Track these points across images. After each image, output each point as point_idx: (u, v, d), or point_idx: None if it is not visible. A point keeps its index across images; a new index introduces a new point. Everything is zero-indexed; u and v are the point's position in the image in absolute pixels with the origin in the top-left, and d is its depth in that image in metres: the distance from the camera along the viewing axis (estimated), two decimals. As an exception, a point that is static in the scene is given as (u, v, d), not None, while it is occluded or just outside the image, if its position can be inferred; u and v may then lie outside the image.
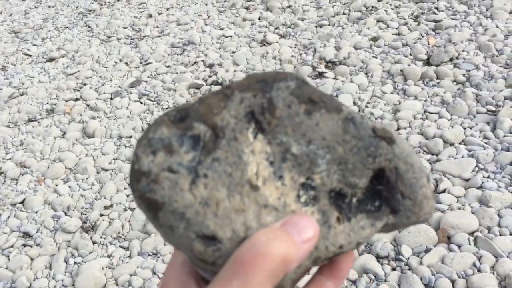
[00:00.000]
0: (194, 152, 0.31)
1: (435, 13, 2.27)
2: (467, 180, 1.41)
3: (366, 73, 1.97)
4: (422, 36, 2.13)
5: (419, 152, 1.55)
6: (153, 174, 0.30)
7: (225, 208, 0.31)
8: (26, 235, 1.56)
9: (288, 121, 0.34)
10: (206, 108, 0.33)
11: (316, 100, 0.34)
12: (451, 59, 1.92)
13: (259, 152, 0.33)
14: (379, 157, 0.34)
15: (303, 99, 0.34)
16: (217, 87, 2.07)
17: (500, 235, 1.23)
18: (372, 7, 2.48)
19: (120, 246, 1.46)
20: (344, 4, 2.59)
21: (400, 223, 0.34)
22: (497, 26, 2.06)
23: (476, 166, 1.44)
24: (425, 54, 1.98)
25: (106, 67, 2.47)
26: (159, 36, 2.71)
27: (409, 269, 1.19)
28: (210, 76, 2.21)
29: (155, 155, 0.31)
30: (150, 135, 0.31)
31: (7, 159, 1.92)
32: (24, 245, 1.52)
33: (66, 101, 2.23)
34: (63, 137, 2.00)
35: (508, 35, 1.99)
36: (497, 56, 1.88)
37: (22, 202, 1.69)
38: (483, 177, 1.40)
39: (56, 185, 1.74)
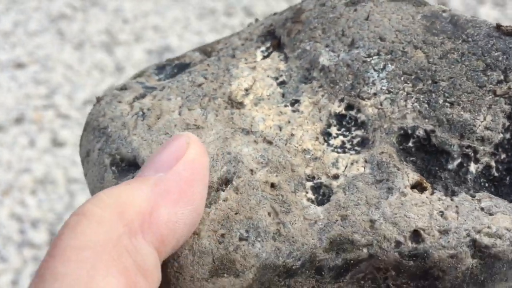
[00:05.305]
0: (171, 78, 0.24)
1: None
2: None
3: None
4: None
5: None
6: (103, 94, 0.24)
7: (169, 121, 0.20)
8: (-9, 249, 1.54)
9: (316, 21, 0.22)
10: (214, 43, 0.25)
11: None
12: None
13: (264, 69, 0.22)
14: None
15: None
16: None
17: None
18: None
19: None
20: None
21: None
22: None
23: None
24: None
25: (79, 74, 2.47)
26: (135, 42, 2.71)
27: None
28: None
29: (123, 90, 0.23)
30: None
31: (-29, 170, 1.91)
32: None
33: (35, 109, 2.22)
34: (32, 147, 1.99)
35: None
36: None
37: (-13, 215, 1.68)
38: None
39: (23, 197, 1.72)
